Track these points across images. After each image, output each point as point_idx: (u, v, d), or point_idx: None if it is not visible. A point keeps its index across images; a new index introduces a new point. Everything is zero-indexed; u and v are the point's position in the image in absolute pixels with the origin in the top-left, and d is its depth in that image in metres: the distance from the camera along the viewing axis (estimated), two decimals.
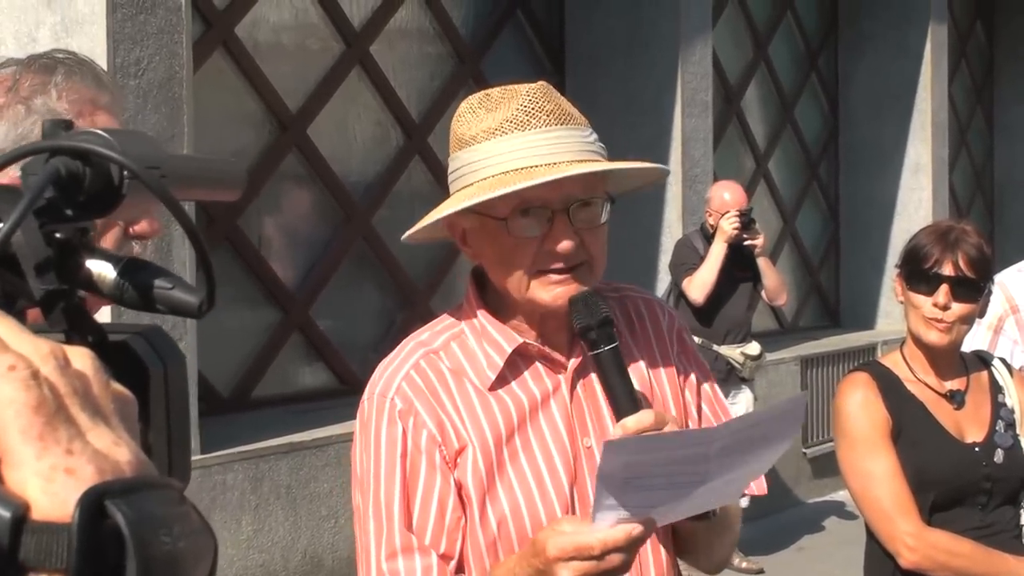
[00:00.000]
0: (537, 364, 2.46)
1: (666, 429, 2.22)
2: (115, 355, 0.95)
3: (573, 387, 2.46)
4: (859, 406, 3.71)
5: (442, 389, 2.42)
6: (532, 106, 2.33)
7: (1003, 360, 3.97)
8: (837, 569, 8.51)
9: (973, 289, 3.64)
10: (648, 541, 2.43)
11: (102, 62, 6.12)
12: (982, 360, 3.93)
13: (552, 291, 2.35)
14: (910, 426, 3.68)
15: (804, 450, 11.35)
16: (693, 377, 2.64)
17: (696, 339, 8.77)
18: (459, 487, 2.39)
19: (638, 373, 2.51)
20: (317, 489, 7.20)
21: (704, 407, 2.64)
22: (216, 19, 7.93)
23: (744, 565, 9.12)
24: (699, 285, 8.54)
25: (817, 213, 14.04)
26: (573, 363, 2.46)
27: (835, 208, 14.17)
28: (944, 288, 3.62)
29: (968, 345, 3.88)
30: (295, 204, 8.72)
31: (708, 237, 8.73)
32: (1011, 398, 3.81)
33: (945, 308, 3.62)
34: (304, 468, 7.14)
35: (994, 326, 4.38)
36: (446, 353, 2.47)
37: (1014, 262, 4.73)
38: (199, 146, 6.76)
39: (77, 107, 1.91)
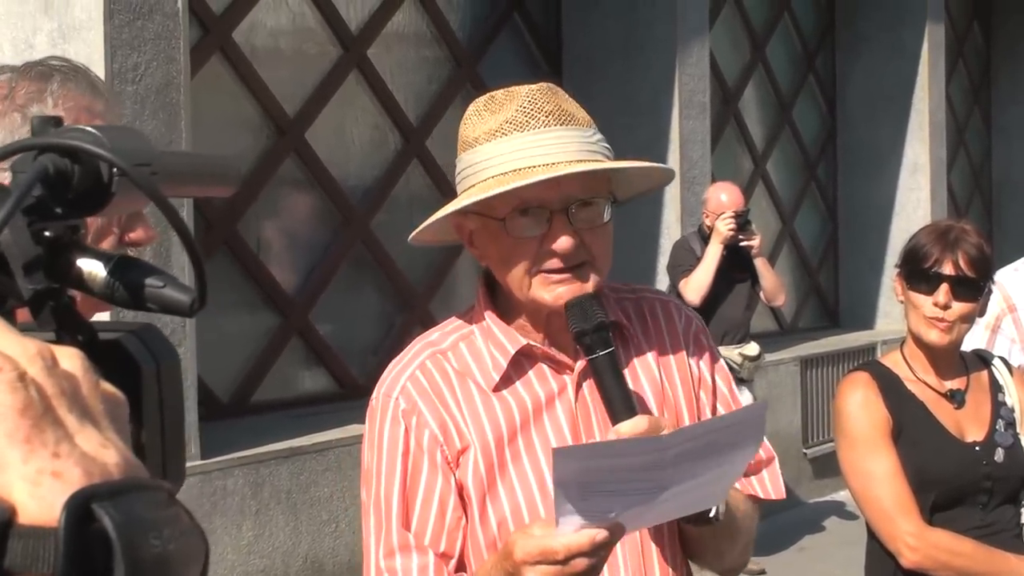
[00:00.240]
0: (542, 365, 2.47)
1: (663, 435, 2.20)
2: (107, 354, 0.94)
3: (578, 388, 2.46)
4: (859, 406, 3.71)
5: (447, 389, 2.43)
6: (531, 107, 2.32)
7: (1003, 359, 3.97)
8: (838, 569, 8.50)
9: (973, 288, 3.64)
10: (652, 542, 2.43)
11: (99, 68, 6.12)
12: (982, 359, 3.92)
13: (553, 291, 2.34)
14: (910, 426, 3.68)
15: (804, 450, 11.35)
16: (709, 378, 2.63)
17: None
18: (460, 487, 2.40)
19: (649, 373, 2.51)
20: (317, 494, 7.19)
21: (720, 408, 2.63)
22: (213, 24, 7.92)
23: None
24: (695, 287, 8.55)
25: (816, 214, 14.05)
26: (579, 365, 2.44)
27: (833, 209, 14.17)
28: (944, 287, 3.62)
29: (966, 344, 3.88)
30: (293, 208, 8.71)
31: (705, 238, 8.73)
32: (1011, 397, 3.81)
33: (945, 307, 3.62)
34: (304, 473, 7.13)
35: (991, 325, 4.37)
36: (454, 353, 2.48)
37: (1012, 261, 4.72)
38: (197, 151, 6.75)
39: (73, 114, 1.91)
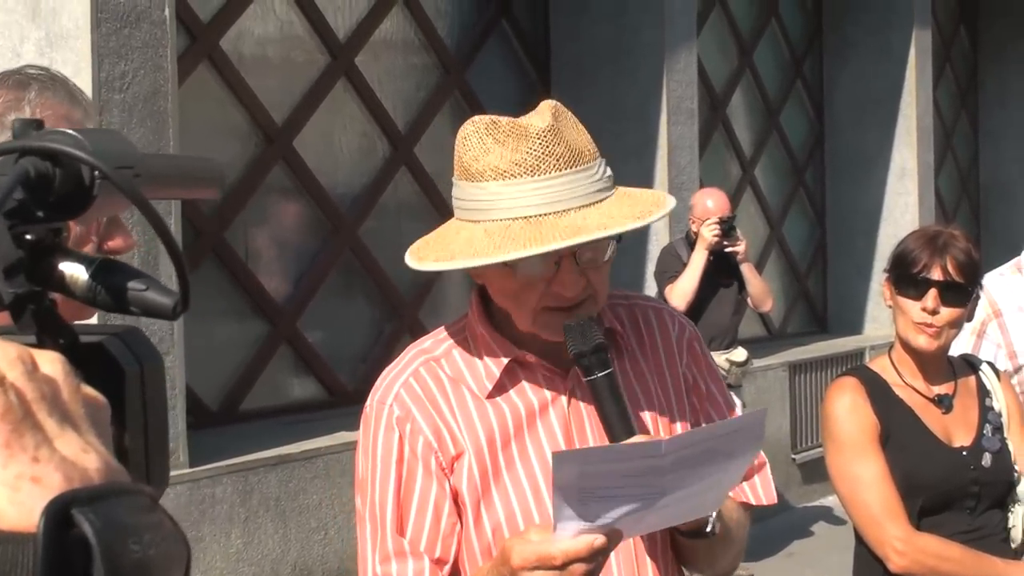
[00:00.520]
0: (536, 373, 2.47)
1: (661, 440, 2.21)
2: (89, 357, 0.93)
3: (572, 396, 2.46)
4: (847, 411, 3.71)
5: (440, 396, 2.44)
6: (542, 150, 2.29)
7: (991, 364, 3.97)
8: (826, 574, 8.50)
9: (962, 293, 3.64)
10: (645, 550, 2.43)
11: (87, 76, 6.11)
12: (970, 364, 3.92)
13: (554, 330, 2.35)
14: (898, 430, 3.68)
15: (793, 456, 11.36)
16: (703, 385, 2.63)
17: None
18: (455, 493, 2.41)
19: (643, 381, 2.52)
20: (306, 501, 7.18)
21: (712, 413, 2.64)
22: (201, 32, 7.91)
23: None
24: (680, 293, 8.56)
25: (804, 219, 14.05)
26: (573, 373, 2.45)
27: (821, 214, 14.18)
28: (933, 292, 3.62)
29: (953, 349, 3.88)
30: (282, 216, 8.70)
31: (693, 245, 8.74)
32: (998, 402, 3.81)
33: (934, 312, 3.62)
34: (293, 480, 7.12)
35: (977, 330, 4.38)
36: (447, 360, 2.48)
37: (1000, 265, 4.73)
38: None
39: (51, 123, 1.89)
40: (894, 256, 3.76)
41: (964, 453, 3.68)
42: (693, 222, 8.78)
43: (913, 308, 3.65)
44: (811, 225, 14.14)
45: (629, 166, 9.90)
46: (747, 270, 8.92)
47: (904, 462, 3.64)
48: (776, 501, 2.73)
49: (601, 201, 2.33)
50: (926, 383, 3.77)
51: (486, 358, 2.46)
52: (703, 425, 2.60)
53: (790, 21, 13.84)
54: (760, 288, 9.04)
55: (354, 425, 2.53)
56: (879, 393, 3.72)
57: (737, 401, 8.90)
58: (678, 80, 10.37)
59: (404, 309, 9.22)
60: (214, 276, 8.05)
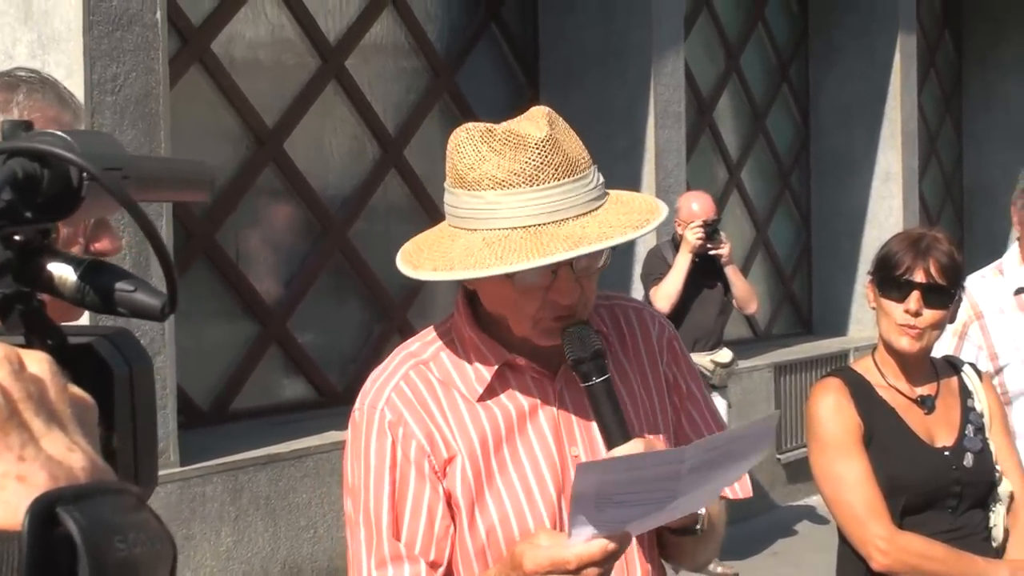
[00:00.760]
0: (525, 376, 2.47)
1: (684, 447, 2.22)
2: (79, 358, 0.93)
3: (560, 398, 2.47)
4: (831, 411, 3.71)
5: (431, 400, 2.43)
6: (540, 160, 2.29)
7: (972, 365, 3.98)
8: (810, 573, 8.51)
9: (944, 296, 3.65)
10: (634, 547, 2.44)
11: (79, 78, 6.10)
12: (952, 365, 3.93)
13: (551, 336, 2.37)
14: (881, 431, 3.69)
15: (778, 456, 11.36)
16: (683, 384, 2.65)
17: None
18: (448, 496, 2.40)
19: (627, 382, 2.53)
20: (296, 500, 7.17)
21: (693, 412, 2.65)
22: (192, 35, 7.90)
23: (719, 570, 9.12)
24: (664, 295, 8.59)
25: (789, 222, 14.06)
26: (560, 375, 2.47)
27: (807, 217, 14.18)
28: (916, 295, 3.62)
29: (935, 350, 3.89)
30: (272, 218, 8.69)
31: (678, 247, 8.75)
32: (980, 403, 3.82)
33: (917, 314, 3.63)
34: (283, 479, 7.12)
35: (959, 332, 4.39)
36: (435, 364, 2.48)
37: (983, 268, 4.74)
38: None
39: (40, 125, 1.89)
40: (878, 259, 3.77)
41: (946, 453, 3.69)
42: (679, 225, 8.78)
43: (896, 310, 3.66)
44: (796, 228, 14.14)
45: (617, 169, 9.89)
46: (731, 272, 8.93)
47: (887, 462, 3.64)
48: (751, 494, 2.74)
49: (596, 209, 2.34)
50: (909, 384, 3.78)
51: (476, 361, 2.45)
52: (690, 421, 2.64)
53: (776, 26, 13.85)
54: (745, 290, 9.06)
55: (343, 425, 2.52)
56: (862, 394, 3.73)
57: (722, 401, 8.97)
58: (665, 84, 10.37)
59: (393, 310, 9.21)
60: (205, 277, 8.04)
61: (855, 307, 13.60)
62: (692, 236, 8.58)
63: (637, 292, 9.41)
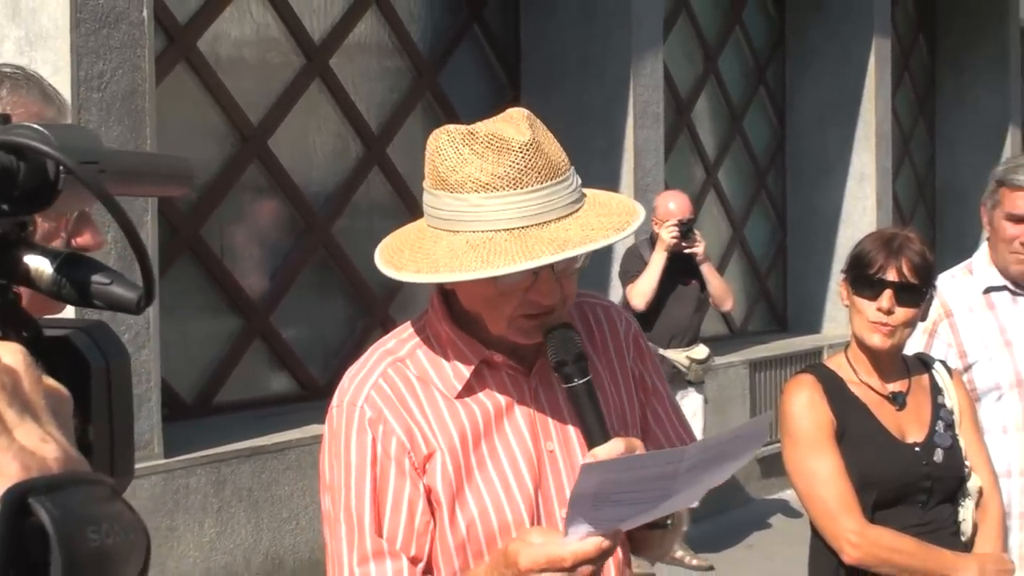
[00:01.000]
0: (502, 373, 2.47)
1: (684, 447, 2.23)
2: (54, 350, 0.92)
3: (535, 395, 2.47)
4: (804, 407, 3.72)
5: (410, 397, 2.42)
6: (524, 163, 2.28)
7: (943, 363, 3.99)
8: (784, 565, 8.52)
9: (916, 294, 3.66)
10: None
11: (66, 75, 6.09)
12: (923, 363, 3.95)
13: (528, 335, 2.38)
14: (853, 427, 3.69)
15: (748, 459, 11.35)
16: (648, 380, 2.66)
17: None
18: (428, 492, 2.39)
19: (597, 379, 2.51)
20: (278, 492, 7.16)
21: (658, 408, 2.66)
22: (178, 33, 7.88)
23: (695, 562, 9.13)
24: (639, 293, 8.62)
25: (765, 221, 14.07)
26: (537, 371, 2.47)
27: (783, 216, 14.19)
28: (888, 293, 3.63)
29: (905, 348, 3.89)
30: (257, 214, 8.67)
31: (655, 245, 8.76)
32: (950, 399, 3.83)
33: (889, 312, 3.64)
34: (266, 472, 7.11)
35: (929, 330, 4.39)
36: (412, 361, 2.47)
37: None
38: None
39: (23, 120, 1.88)
40: (851, 257, 3.78)
41: (917, 449, 3.70)
42: (656, 223, 8.79)
43: (869, 308, 3.67)
44: (772, 227, 14.15)
45: (596, 168, 9.90)
46: (707, 270, 8.94)
47: (859, 457, 3.65)
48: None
49: (577, 211, 2.33)
50: (881, 381, 3.79)
51: (453, 358, 2.45)
52: (654, 416, 2.65)
53: (754, 29, 13.86)
54: (720, 288, 9.07)
55: (325, 419, 2.50)
56: (835, 390, 3.74)
57: (698, 397, 8.99)
58: (644, 84, 10.37)
59: (375, 306, 9.20)
60: (190, 272, 8.03)
61: (829, 305, 13.62)
62: (667, 235, 8.60)
63: (616, 289, 9.42)
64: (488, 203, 2.28)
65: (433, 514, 2.39)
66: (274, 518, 7.15)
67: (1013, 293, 4.56)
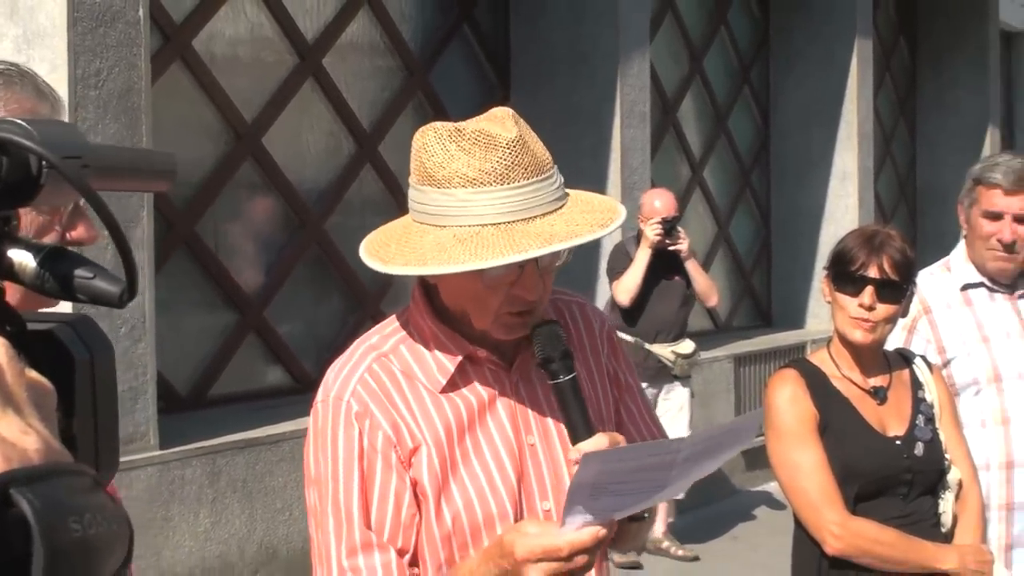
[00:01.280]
0: (484, 368, 2.46)
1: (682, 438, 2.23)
2: (38, 344, 0.91)
3: (516, 389, 2.47)
4: (787, 401, 3.72)
5: (395, 391, 2.41)
6: (511, 159, 2.27)
7: (924, 358, 3.99)
8: (768, 556, 8.53)
9: (897, 291, 3.66)
10: None
11: (63, 73, 6.07)
12: (904, 358, 3.95)
13: (512, 330, 2.39)
14: (836, 420, 3.69)
15: (739, 450, 11.36)
16: (622, 377, 2.67)
17: (629, 338, 8.82)
18: (414, 484, 2.38)
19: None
20: (272, 483, 7.15)
21: (631, 404, 2.68)
22: (174, 33, 7.86)
23: (680, 553, 9.13)
24: (624, 289, 8.64)
25: (750, 219, 14.08)
26: (518, 366, 2.47)
27: (767, 214, 14.21)
28: (869, 289, 3.64)
29: (885, 344, 3.90)
30: (251, 211, 8.66)
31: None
32: (931, 394, 3.84)
33: (870, 308, 3.64)
34: (260, 463, 7.09)
35: (908, 326, 4.39)
36: (395, 356, 2.46)
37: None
38: None
39: (17, 116, 1.86)
40: (833, 254, 3.78)
41: (898, 442, 3.70)
42: (641, 221, 8.80)
43: (851, 304, 3.67)
44: (756, 225, 14.17)
45: (584, 166, 9.91)
46: (691, 267, 8.95)
47: (841, 450, 3.65)
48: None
49: (561, 208, 2.34)
50: (862, 375, 3.79)
51: (437, 353, 2.44)
52: (626, 411, 2.67)
53: (738, 30, 13.87)
54: (705, 284, 9.08)
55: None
56: (818, 385, 3.74)
57: (684, 391, 8.99)
58: (631, 85, 10.37)
59: (367, 300, 9.19)
60: (185, 267, 8.01)
61: (812, 301, 13.64)
62: (650, 232, 8.61)
63: (603, 286, 9.43)
64: (475, 198, 2.27)
65: (419, 507, 2.38)
66: (268, 509, 7.14)
67: (990, 290, 4.56)
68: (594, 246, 9.83)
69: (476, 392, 2.44)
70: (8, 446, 0.74)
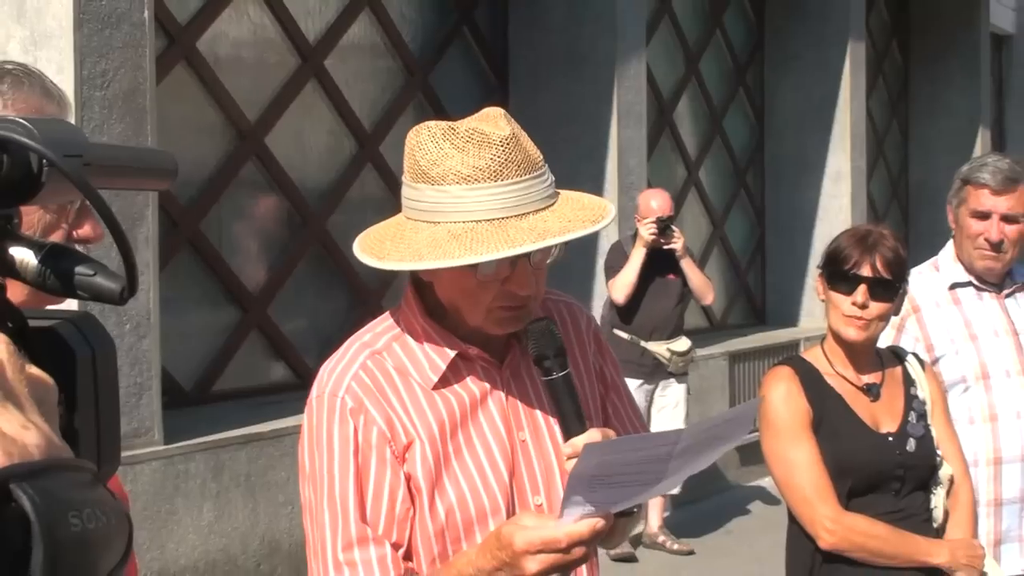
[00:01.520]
0: (475, 365, 2.46)
1: (681, 429, 2.22)
2: (40, 340, 0.90)
3: (507, 386, 2.48)
4: (782, 398, 3.71)
5: (389, 388, 2.41)
6: (504, 157, 2.27)
7: (916, 355, 3.99)
8: (762, 550, 8.52)
9: (889, 289, 3.66)
10: None
11: (69, 74, 6.07)
12: (896, 355, 3.95)
13: (504, 325, 2.39)
14: (829, 417, 3.69)
15: (735, 443, 11.35)
16: (608, 375, 2.68)
17: (625, 335, 8.81)
18: (408, 479, 2.38)
19: None
20: (274, 477, 7.14)
21: (616, 402, 2.69)
22: (178, 34, 7.85)
23: (676, 547, 9.13)
24: (619, 286, 8.67)
25: (745, 219, 14.08)
26: (508, 363, 2.48)
27: (761, 214, 14.21)
28: (862, 288, 3.64)
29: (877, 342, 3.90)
30: (254, 209, 8.66)
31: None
32: (923, 391, 3.83)
33: (863, 306, 3.64)
34: (262, 458, 7.09)
35: (897, 325, 4.39)
36: (388, 354, 2.45)
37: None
38: None
39: (24, 114, 1.86)
40: (827, 253, 3.78)
41: (890, 438, 3.69)
42: (638, 220, 8.80)
43: (844, 302, 3.67)
44: (751, 224, 14.17)
45: (582, 166, 9.91)
46: (686, 265, 8.94)
47: (834, 446, 3.65)
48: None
49: (553, 205, 2.34)
50: (856, 372, 3.79)
51: (429, 351, 2.44)
52: (611, 407, 2.68)
53: (734, 33, 13.86)
54: (700, 282, 9.07)
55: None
56: (812, 382, 3.73)
57: (680, 387, 8.98)
58: (628, 86, 10.37)
59: (368, 298, 9.19)
60: (190, 265, 8.01)
61: (806, 299, 13.64)
62: (645, 232, 8.62)
63: (601, 283, 9.43)
64: (469, 195, 2.27)
65: (413, 501, 2.38)
66: (270, 502, 7.13)
67: (978, 288, 4.56)
68: (594, 245, 9.84)
69: (468, 389, 2.44)
70: (8, 441, 0.73)
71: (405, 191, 2.39)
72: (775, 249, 14.08)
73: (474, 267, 2.28)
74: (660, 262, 8.72)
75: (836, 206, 13.70)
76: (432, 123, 2.37)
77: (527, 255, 2.29)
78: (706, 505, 10.41)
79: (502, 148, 2.28)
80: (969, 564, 3.65)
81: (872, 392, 3.77)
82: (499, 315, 2.36)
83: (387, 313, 2.56)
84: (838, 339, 3.76)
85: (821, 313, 4.13)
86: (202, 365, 8.12)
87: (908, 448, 3.69)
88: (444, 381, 2.43)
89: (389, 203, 9.13)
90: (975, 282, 4.56)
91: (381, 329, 2.51)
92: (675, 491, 8.91)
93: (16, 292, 0.97)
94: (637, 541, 9.19)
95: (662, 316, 8.86)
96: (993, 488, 4.38)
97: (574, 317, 2.65)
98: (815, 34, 13.85)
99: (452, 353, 2.43)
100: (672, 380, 8.97)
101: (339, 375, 2.42)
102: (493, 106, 2.45)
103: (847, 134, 13.76)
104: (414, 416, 2.39)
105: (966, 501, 3.80)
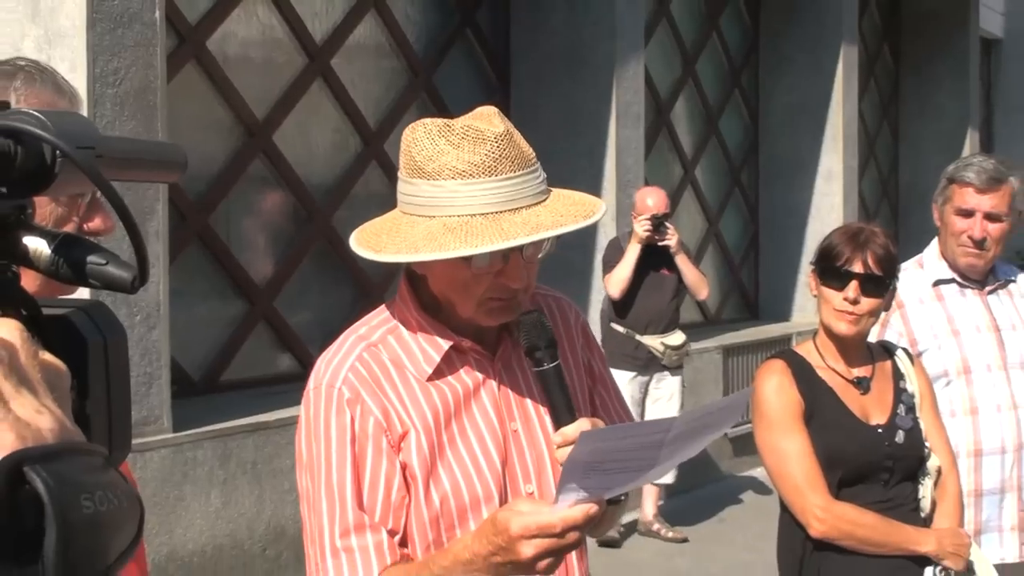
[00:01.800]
0: (468, 357, 2.47)
1: (674, 416, 2.23)
2: (53, 328, 0.90)
3: (500, 377, 2.48)
4: (774, 391, 3.72)
5: (384, 379, 2.41)
6: (499, 153, 2.28)
7: (905, 350, 4.00)
8: (754, 538, 8.53)
9: (880, 285, 3.67)
10: None
11: (82, 72, 6.06)
12: (886, 349, 3.95)
13: (495, 316, 2.40)
14: (821, 409, 3.70)
15: (725, 431, 11.35)
16: (596, 368, 2.70)
17: (620, 328, 8.82)
18: (404, 468, 2.38)
19: None
20: (280, 465, 7.15)
21: (604, 394, 2.70)
22: (189, 34, 7.85)
23: (670, 535, 9.14)
24: (614, 282, 8.67)
25: (739, 216, 14.08)
26: (500, 355, 2.49)
27: (755, 212, 14.21)
28: (854, 284, 3.64)
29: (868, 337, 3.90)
30: (261, 205, 8.66)
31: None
32: (912, 384, 3.84)
33: (855, 302, 3.65)
34: (268, 446, 7.09)
35: (882, 320, 4.39)
36: (384, 346, 2.46)
37: None
38: None
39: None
40: (819, 250, 3.78)
41: (880, 430, 3.70)
42: (634, 217, 8.80)
43: (836, 297, 3.67)
44: (745, 222, 14.17)
45: (581, 164, 9.91)
46: (681, 261, 8.93)
47: (825, 438, 3.66)
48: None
49: (545, 200, 2.35)
50: (846, 366, 3.79)
51: (424, 343, 2.44)
52: (598, 398, 2.69)
53: (730, 35, 13.86)
54: (695, 277, 9.06)
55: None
56: (804, 375, 3.74)
57: (675, 379, 8.98)
58: (627, 87, 10.37)
59: (371, 291, 9.19)
60: (198, 258, 8.01)
61: (798, 295, 13.65)
62: (640, 228, 8.63)
63: (599, 278, 9.42)
64: (464, 189, 2.27)
65: (408, 490, 2.38)
66: (276, 489, 7.13)
67: (961, 285, 4.57)
68: (592, 242, 9.84)
69: (461, 380, 2.45)
70: (23, 425, 0.73)
71: (401, 186, 2.40)
72: (768, 246, 14.08)
73: (468, 260, 2.29)
74: (656, 258, 8.73)
75: (828, 205, 13.70)
76: (428, 120, 2.38)
77: (519, 249, 2.29)
78: (700, 494, 10.42)
79: (496, 144, 2.29)
80: (955, 552, 3.66)
81: (862, 385, 3.77)
82: (490, 306, 2.37)
83: (382, 307, 2.56)
84: (830, 333, 3.77)
85: (813, 308, 4.13)
86: (210, 356, 8.13)
87: (897, 440, 3.70)
88: (438, 373, 2.43)
89: (392, 199, 9.02)
90: (958, 279, 4.57)
91: (376, 322, 2.51)
92: (669, 480, 8.92)
93: (29, 281, 0.97)
94: (632, 529, 9.19)
95: (657, 311, 8.86)
96: (973, 479, 4.39)
97: (563, 311, 2.66)
98: (809, 37, 13.85)
99: (446, 345, 2.43)
100: (667, 373, 8.97)
101: (336, 367, 2.43)
102: (494, 105, 2.46)
103: (839, 135, 13.76)
104: (409, 406, 2.39)
105: (953, 492, 3.81)
